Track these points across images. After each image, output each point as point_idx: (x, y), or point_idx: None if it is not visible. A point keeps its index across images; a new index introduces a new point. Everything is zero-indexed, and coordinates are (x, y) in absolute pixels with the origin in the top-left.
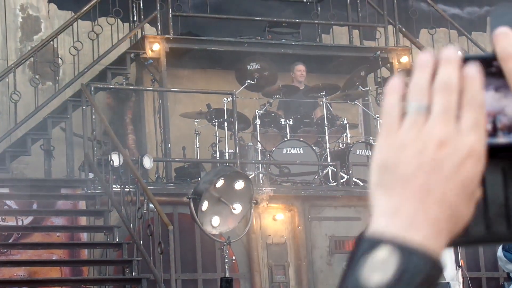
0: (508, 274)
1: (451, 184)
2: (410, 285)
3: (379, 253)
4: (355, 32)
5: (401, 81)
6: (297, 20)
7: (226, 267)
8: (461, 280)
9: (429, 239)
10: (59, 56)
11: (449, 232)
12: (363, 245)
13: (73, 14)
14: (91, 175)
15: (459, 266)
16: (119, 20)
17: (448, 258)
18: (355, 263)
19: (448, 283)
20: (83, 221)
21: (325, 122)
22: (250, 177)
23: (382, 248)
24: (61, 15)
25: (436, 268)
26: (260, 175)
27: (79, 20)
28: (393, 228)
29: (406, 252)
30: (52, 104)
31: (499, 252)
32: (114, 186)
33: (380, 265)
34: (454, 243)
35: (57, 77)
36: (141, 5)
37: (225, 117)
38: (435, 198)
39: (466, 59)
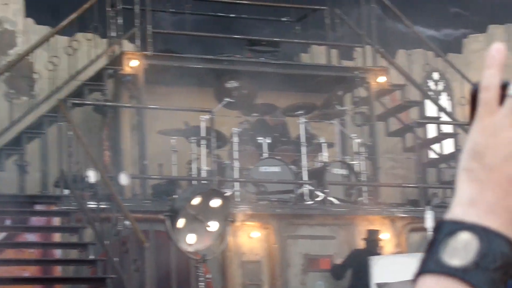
0: None
1: None
2: (491, 268)
3: (461, 237)
4: (334, 52)
5: (502, 52)
6: (276, 39)
7: (201, 285)
8: None
9: (506, 227)
10: (36, 71)
11: None
12: (444, 229)
13: (50, 29)
14: (66, 191)
15: None
16: (97, 36)
17: None
18: (436, 246)
19: None
20: (57, 237)
21: (303, 141)
22: (226, 195)
23: (463, 232)
24: (38, 30)
25: None
26: (237, 193)
27: (56, 35)
28: (473, 214)
29: (487, 236)
30: (28, 119)
31: None
32: (89, 202)
33: (462, 248)
34: None
35: (32, 92)
36: (120, 21)
37: (203, 135)
38: None
39: None
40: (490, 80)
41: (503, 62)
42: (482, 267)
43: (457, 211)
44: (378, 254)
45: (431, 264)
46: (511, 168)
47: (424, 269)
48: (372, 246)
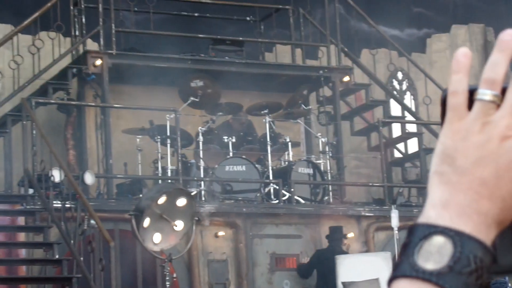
0: None
1: (506, 179)
2: (464, 272)
3: (435, 240)
4: (298, 51)
5: (468, 56)
6: (240, 38)
7: (167, 284)
8: None
9: (478, 230)
10: None
11: (498, 225)
12: (418, 232)
13: (13, 27)
14: (30, 191)
15: None
16: (60, 34)
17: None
18: (410, 249)
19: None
20: (21, 237)
21: (268, 140)
22: (192, 194)
23: (437, 236)
24: (1, 29)
25: (488, 255)
26: (202, 192)
27: (19, 34)
28: (446, 217)
29: (460, 239)
30: None
31: None
32: (54, 202)
33: (436, 252)
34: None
35: None
36: (84, 20)
37: (168, 134)
38: (489, 192)
39: None
40: (457, 85)
41: (469, 67)
42: (456, 271)
43: (430, 214)
44: (342, 252)
45: (405, 267)
46: (481, 171)
47: (398, 273)
48: (335, 243)
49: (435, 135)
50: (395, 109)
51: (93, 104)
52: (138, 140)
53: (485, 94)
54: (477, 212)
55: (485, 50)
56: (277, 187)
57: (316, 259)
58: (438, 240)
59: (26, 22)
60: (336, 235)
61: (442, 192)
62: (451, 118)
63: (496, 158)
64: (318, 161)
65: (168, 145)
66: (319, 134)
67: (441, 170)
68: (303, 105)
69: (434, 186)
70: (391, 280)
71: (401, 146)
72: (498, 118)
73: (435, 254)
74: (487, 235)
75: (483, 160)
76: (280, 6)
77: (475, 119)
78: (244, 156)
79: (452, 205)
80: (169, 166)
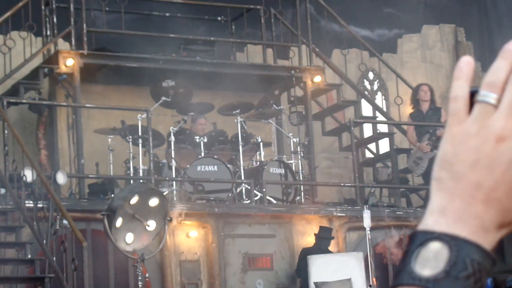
0: None
1: (502, 181)
2: (461, 276)
3: (431, 247)
4: (269, 51)
5: (471, 65)
6: (212, 38)
7: (140, 284)
8: None
9: (475, 234)
10: None
11: (497, 228)
12: (416, 239)
13: None
14: (2, 190)
15: (370, 286)
16: (32, 34)
17: (359, 276)
18: (409, 257)
19: None
20: None
21: (240, 140)
22: (164, 194)
23: (433, 242)
24: None
25: (487, 258)
26: (174, 192)
27: None
28: (443, 223)
29: (456, 244)
30: None
31: None
32: (26, 201)
33: (433, 258)
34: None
35: None
36: (55, 19)
37: (140, 134)
38: (484, 195)
39: None
40: (458, 91)
41: (471, 74)
42: (452, 275)
43: (428, 221)
44: (328, 252)
45: (404, 276)
46: (476, 175)
47: (397, 282)
48: (323, 242)
49: (406, 135)
50: (366, 109)
51: (64, 104)
52: (109, 140)
53: (485, 96)
54: (473, 216)
55: (456, 50)
56: (249, 187)
57: (301, 257)
58: (435, 246)
59: None
60: (324, 234)
61: (440, 198)
62: (451, 123)
63: (491, 161)
64: (289, 161)
65: (140, 145)
66: (291, 134)
67: (439, 176)
68: (274, 105)
69: (434, 193)
70: None
71: (372, 146)
72: (494, 120)
73: (431, 260)
74: (485, 239)
75: (478, 163)
76: (251, 6)
77: (474, 121)
78: (215, 156)
79: (449, 211)
80: (141, 166)
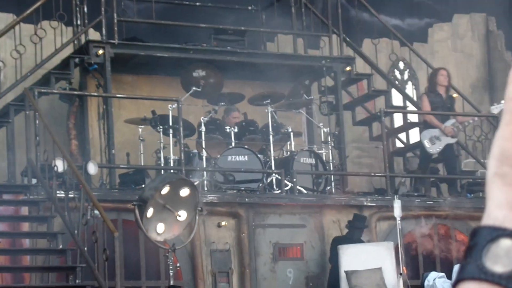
0: None
1: None
2: None
3: (503, 243)
4: (300, 41)
5: None
6: (242, 28)
7: (171, 274)
8: (401, 287)
9: None
10: (1, 60)
11: None
12: (484, 234)
13: (15, 17)
14: (34, 181)
15: (400, 274)
16: (62, 24)
17: (389, 266)
18: (477, 252)
19: None
20: (25, 227)
21: (270, 130)
22: (195, 184)
23: (505, 239)
24: (2, 18)
25: None
26: (205, 182)
27: (21, 23)
28: None
29: None
30: None
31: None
32: (57, 192)
33: (504, 255)
34: None
35: None
36: (85, 9)
37: (170, 124)
38: None
39: None
40: None
41: None
42: None
43: (496, 216)
44: (360, 241)
45: (473, 270)
46: None
47: (466, 275)
48: (355, 232)
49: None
50: (396, 99)
51: (95, 94)
52: (140, 130)
53: None
54: None
55: (487, 39)
56: (279, 177)
57: (333, 246)
58: (506, 243)
59: (28, 11)
60: (358, 223)
61: (507, 193)
62: (508, 121)
63: None
64: (320, 151)
65: (170, 135)
66: (321, 124)
67: (503, 171)
68: (305, 95)
69: (496, 188)
70: (457, 282)
71: (402, 136)
72: None
73: (503, 257)
74: None
75: None
76: None
77: None
78: (246, 146)
79: None
80: (172, 156)
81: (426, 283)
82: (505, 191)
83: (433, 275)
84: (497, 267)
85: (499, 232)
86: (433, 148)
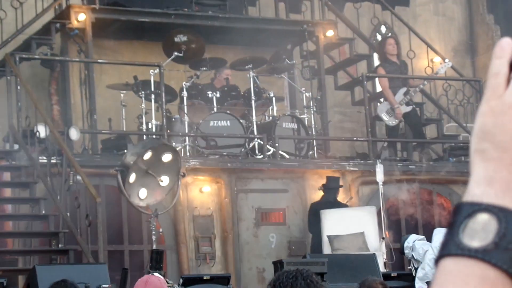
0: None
1: None
2: (510, 247)
3: (479, 218)
4: (281, 5)
5: (510, 44)
6: None
7: (153, 239)
8: (384, 251)
9: None
10: None
11: None
12: (463, 211)
13: None
14: (16, 147)
15: (383, 238)
16: None
17: (372, 230)
18: (456, 228)
19: (374, 254)
20: (7, 193)
21: (252, 95)
22: (177, 149)
23: (481, 213)
24: None
25: None
26: (187, 147)
27: None
28: (490, 194)
29: (505, 215)
30: None
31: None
32: (40, 157)
33: (481, 229)
34: None
35: None
36: None
37: (152, 89)
38: None
39: None
40: (499, 68)
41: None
42: (502, 246)
43: (475, 192)
44: (336, 202)
45: (451, 246)
46: None
47: (444, 252)
48: (330, 193)
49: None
50: (378, 63)
51: (76, 59)
52: (122, 95)
53: None
54: None
55: (469, 2)
56: (262, 142)
57: (311, 212)
58: (483, 217)
59: None
60: (331, 184)
61: (485, 169)
62: (489, 96)
63: None
64: (302, 116)
65: (153, 100)
66: (303, 89)
67: (482, 147)
68: (287, 60)
69: (476, 164)
70: (438, 259)
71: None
72: None
73: (480, 231)
74: None
75: None
76: None
77: None
78: (228, 111)
79: (496, 181)
80: (154, 122)
81: (405, 244)
82: (483, 166)
83: (412, 237)
84: (474, 242)
85: (476, 207)
86: (391, 120)
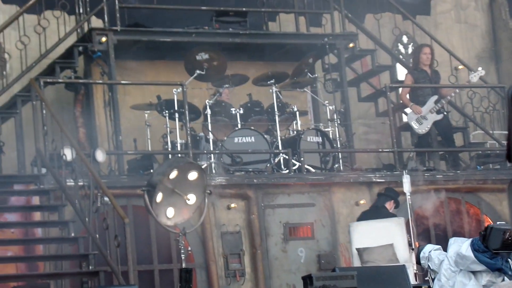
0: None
1: None
2: None
3: None
4: (301, 19)
5: None
6: (243, 9)
7: (182, 257)
8: (414, 262)
9: None
10: (6, 51)
11: None
12: None
13: (18, 8)
14: (43, 170)
15: (413, 249)
16: (65, 13)
17: (401, 241)
18: None
19: (404, 265)
20: (37, 216)
21: (276, 110)
22: (203, 167)
23: None
24: (6, 10)
25: None
26: (213, 165)
27: (24, 14)
28: None
29: None
30: (0, 99)
31: (466, 250)
32: (67, 180)
33: None
34: None
35: (4, 72)
36: None
37: (176, 108)
38: None
39: None
40: None
41: None
42: None
43: None
44: (386, 212)
45: None
46: None
47: None
48: (379, 200)
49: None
50: (401, 73)
51: (100, 81)
52: (146, 115)
53: None
54: None
55: (491, 9)
56: (287, 157)
57: (360, 219)
58: None
59: (30, 2)
60: (387, 192)
61: None
62: None
63: None
64: (326, 129)
65: (176, 119)
66: (326, 102)
67: None
68: (309, 74)
69: None
70: None
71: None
72: None
73: None
74: None
75: None
76: None
77: None
78: (252, 127)
79: None
80: (178, 140)
81: (421, 255)
82: None
83: (428, 247)
84: None
85: None
86: (421, 128)
